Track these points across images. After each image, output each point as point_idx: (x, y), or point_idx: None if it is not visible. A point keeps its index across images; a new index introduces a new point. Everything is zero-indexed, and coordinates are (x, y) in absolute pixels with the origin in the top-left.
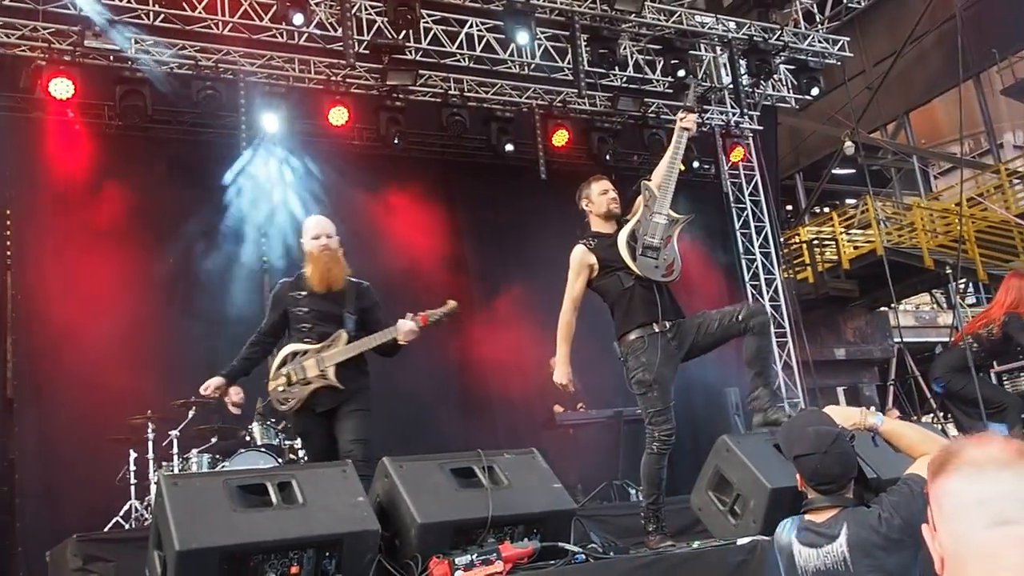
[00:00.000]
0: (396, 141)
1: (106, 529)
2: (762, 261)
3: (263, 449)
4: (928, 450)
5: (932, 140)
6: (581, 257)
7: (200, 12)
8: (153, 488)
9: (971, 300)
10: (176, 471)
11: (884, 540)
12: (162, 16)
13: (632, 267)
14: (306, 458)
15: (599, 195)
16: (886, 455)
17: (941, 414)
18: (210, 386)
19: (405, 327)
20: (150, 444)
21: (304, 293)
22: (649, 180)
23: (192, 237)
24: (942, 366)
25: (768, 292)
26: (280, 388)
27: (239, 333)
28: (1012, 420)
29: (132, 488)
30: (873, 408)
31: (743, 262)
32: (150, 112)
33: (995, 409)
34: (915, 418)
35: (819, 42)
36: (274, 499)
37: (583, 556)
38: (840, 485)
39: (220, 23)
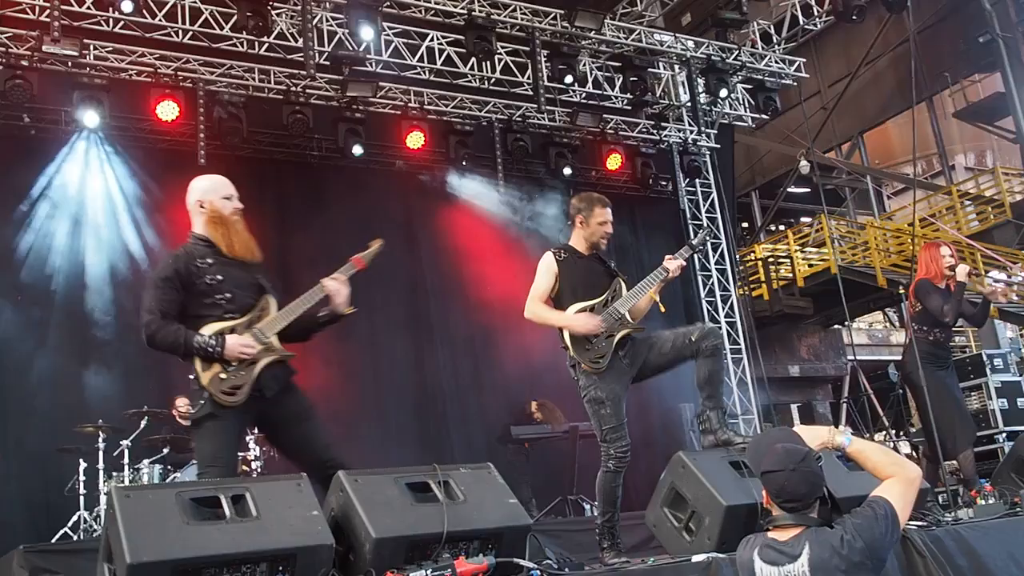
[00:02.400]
0: (357, 152)
1: (53, 540)
2: (718, 278)
3: None
4: (893, 472)
5: (885, 161)
6: (548, 264)
7: (160, 20)
8: (103, 499)
9: None
10: (127, 482)
11: (846, 562)
12: (121, 23)
13: (567, 343)
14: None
15: (598, 224)
16: (843, 474)
17: (893, 432)
18: None
19: (337, 280)
20: (100, 454)
21: (210, 261)
22: (623, 276)
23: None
24: (909, 364)
25: (724, 309)
26: (222, 376)
27: None
28: (962, 444)
29: (81, 499)
30: (842, 428)
31: (699, 279)
32: (108, 119)
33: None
34: (867, 436)
35: (776, 63)
36: (228, 512)
37: (538, 572)
38: (805, 504)
39: (180, 31)
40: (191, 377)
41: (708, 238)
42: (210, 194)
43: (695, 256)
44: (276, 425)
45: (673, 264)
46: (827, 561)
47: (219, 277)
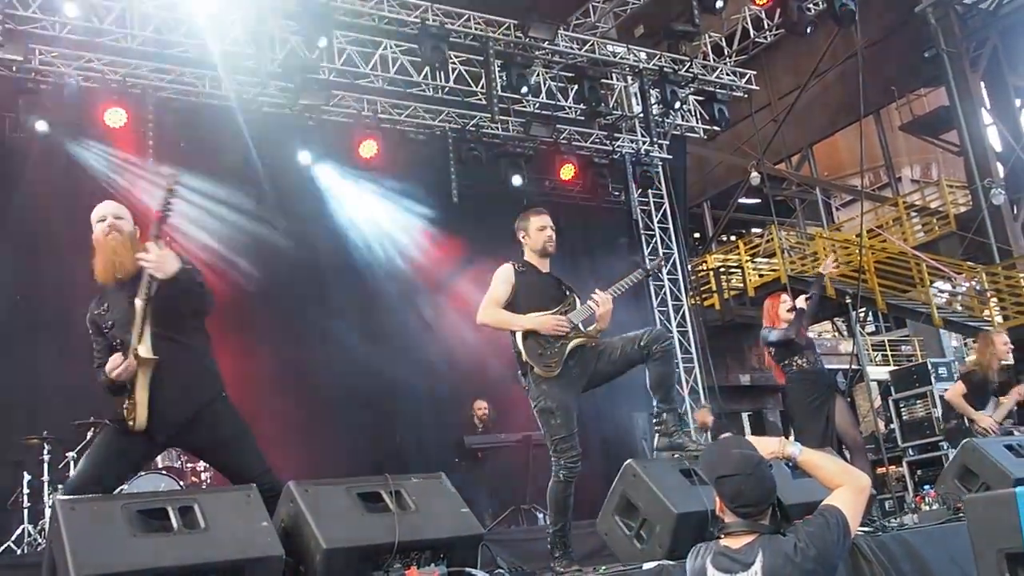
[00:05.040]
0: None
1: None
2: (670, 287)
3: (164, 472)
4: (843, 482)
5: (834, 173)
6: (505, 274)
7: (109, 25)
8: (48, 512)
9: (871, 328)
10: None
11: (799, 570)
12: (69, 27)
13: (520, 348)
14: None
15: (537, 231)
16: (788, 482)
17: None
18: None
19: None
20: (45, 466)
21: (106, 305)
22: (577, 293)
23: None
24: (788, 400)
25: (676, 318)
26: (126, 405)
27: None
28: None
29: (25, 512)
30: (792, 438)
31: (651, 288)
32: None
33: (798, 431)
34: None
35: (727, 75)
36: (175, 524)
37: None
38: (760, 510)
39: (130, 36)
40: None
41: (664, 265)
42: (93, 230)
43: (647, 263)
44: (203, 448)
45: (601, 296)
46: (780, 569)
47: (110, 322)
